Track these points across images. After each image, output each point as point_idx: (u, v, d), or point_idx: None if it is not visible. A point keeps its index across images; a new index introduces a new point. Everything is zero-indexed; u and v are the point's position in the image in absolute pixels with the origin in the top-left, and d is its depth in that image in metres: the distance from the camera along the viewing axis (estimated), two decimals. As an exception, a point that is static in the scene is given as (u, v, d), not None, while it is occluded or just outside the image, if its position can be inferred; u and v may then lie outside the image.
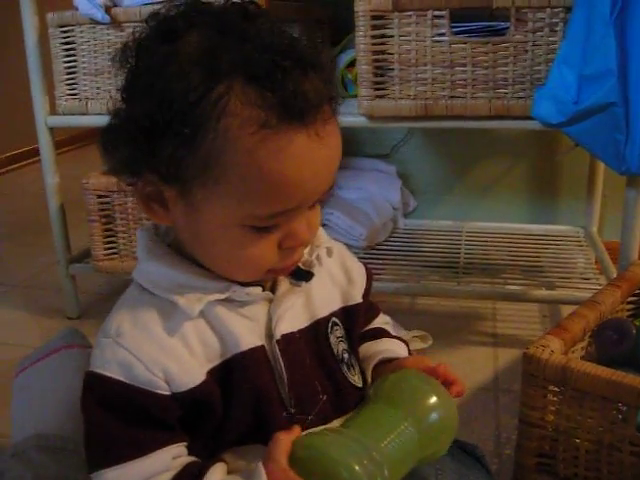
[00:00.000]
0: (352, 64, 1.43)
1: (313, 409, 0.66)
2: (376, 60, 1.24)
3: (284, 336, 0.65)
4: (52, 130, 1.49)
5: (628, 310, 1.13)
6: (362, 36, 1.23)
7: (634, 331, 0.99)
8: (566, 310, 1.37)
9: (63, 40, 1.43)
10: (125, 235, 1.48)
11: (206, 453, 0.63)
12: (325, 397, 0.67)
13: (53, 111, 1.48)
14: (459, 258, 1.63)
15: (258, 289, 0.65)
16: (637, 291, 1.13)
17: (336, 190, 1.74)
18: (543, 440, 0.91)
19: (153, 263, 0.65)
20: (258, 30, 0.58)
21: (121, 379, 0.59)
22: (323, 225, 0.80)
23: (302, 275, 0.69)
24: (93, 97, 1.43)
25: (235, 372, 0.62)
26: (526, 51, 1.19)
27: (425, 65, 1.23)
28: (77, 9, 1.39)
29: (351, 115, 1.29)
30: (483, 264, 1.60)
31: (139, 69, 0.60)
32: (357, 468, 0.56)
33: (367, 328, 0.80)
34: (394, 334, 0.81)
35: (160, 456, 0.60)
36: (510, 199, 1.82)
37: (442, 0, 1.19)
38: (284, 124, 0.55)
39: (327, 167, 0.60)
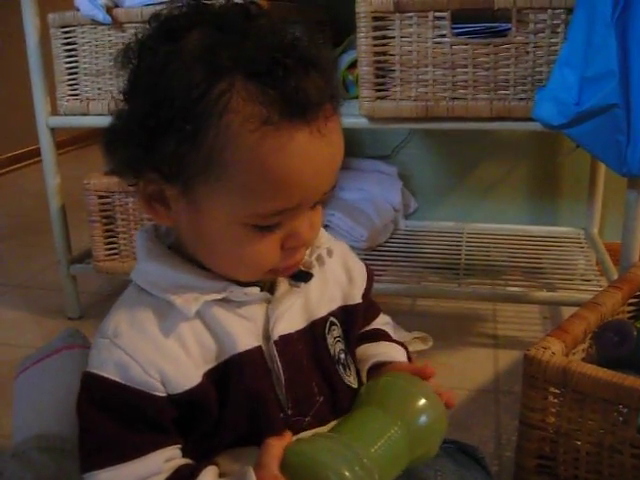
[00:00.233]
0: (353, 65, 1.43)
1: (310, 410, 0.66)
2: (377, 61, 1.24)
3: (282, 337, 0.65)
4: (53, 130, 1.49)
5: (629, 312, 1.13)
6: (363, 37, 1.23)
7: (635, 333, 0.99)
8: (567, 312, 1.37)
9: (64, 41, 1.43)
10: (126, 236, 1.48)
11: (200, 455, 0.63)
12: (322, 398, 0.67)
13: (54, 111, 1.48)
14: (460, 259, 1.63)
15: (256, 289, 0.65)
16: (638, 293, 1.13)
17: (337, 191, 1.74)
18: (543, 442, 0.91)
19: (151, 263, 0.65)
20: (259, 29, 0.58)
21: (117, 380, 0.59)
22: (324, 226, 0.80)
23: (301, 276, 0.68)
24: (94, 98, 1.44)
25: (232, 374, 0.62)
26: (527, 52, 1.19)
27: (426, 66, 1.23)
28: (78, 10, 1.39)
29: (352, 116, 1.29)
30: (484, 265, 1.60)
31: (141, 69, 0.60)
32: (347, 474, 0.56)
33: (366, 329, 0.79)
34: (394, 336, 0.81)
35: (153, 459, 0.60)
36: (511, 200, 1.82)
37: (443, 1, 1.19)
38: (286, 121, 0.55)
39: (329, 165, 0.60)
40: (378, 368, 0.72)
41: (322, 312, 0.70)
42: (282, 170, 0.56)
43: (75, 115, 1.46)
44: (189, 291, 0.62)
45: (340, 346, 0.71)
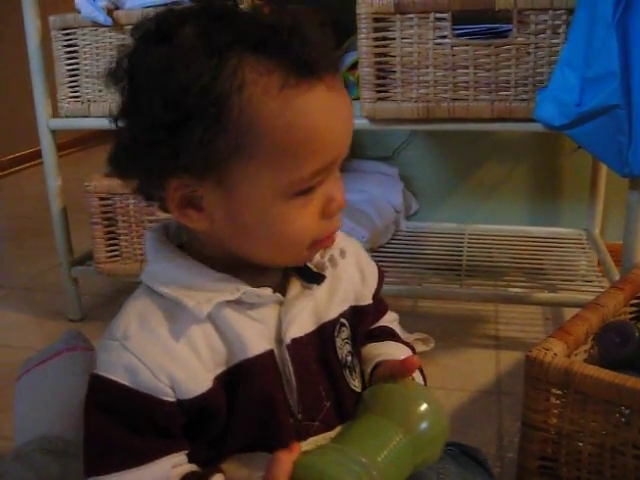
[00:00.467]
0: (354, 66, 1.42)
1: (318, 415, 0.66)
2: (378, 62, 1.24)
3: (294, 340, 0.64)
4: (54, 132, 1.49)
5: (631, 313, 1.13)
6: (364, 38, 1.23)
7: (637, 334, 0.99)
8: (569, 313, 1.37)
9: (65, 43, 1.43)
10: (127, 237, 1.48)
11: (207, 460, 0.63)
12: (329, 403, 0.67)
13: (55, 113, 1.48)
14: (461, 260, 1.62)
15: (269, 290, 0.64)
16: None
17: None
18: (545, 443, 0.91)
19: (162, 264, 0.64)
20: (251, 12, 0.60)
21: (126, 384, 0.59)
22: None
23: (314, 277, 0.68)
24: (95, 99, 1.44)
25: (242, 378, 0.61)
26: (528, 53, 1.19)
27: (427, 67, 1.23)
28: (79, 12, 1.39)
29: (353, 117, 1.28)
30: (485, 266, 1.60)
31: (138, 77, 0.59)
32: None
33: (374, 326, 0.79)
34: (400, 333, 0.81)
35: (160, 465, 0.59)
36: (512, 201, 1.82)
37: (444, 2, 1.19)
38: (302, 81, 0.56)
39: (349, 117, 0.62)
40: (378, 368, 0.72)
41: (332, 314, 0.69)
42: (312, 127, 0.57)
43: (76, 117, 1.46)
44: (201, 292, 0.61)
45: (348, 348, 0.70)
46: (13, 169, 3.25)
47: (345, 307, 0.71)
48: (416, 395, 0.65)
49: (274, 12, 0.60)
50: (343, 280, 0.71)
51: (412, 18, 1.21)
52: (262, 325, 0.63)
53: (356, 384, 0.70)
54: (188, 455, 0.62)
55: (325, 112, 0.58)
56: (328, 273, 0.68)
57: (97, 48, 1.41)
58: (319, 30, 0.59)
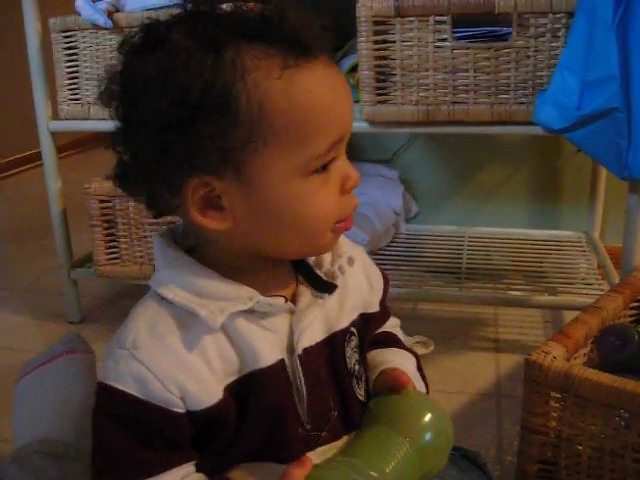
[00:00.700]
0: (354, 69, 1.42)
1: (326, 425, 0.65)
2: (378, 65, 1.24)
3: (305, 350, 0.64)
4: (54, 135, 1.50)
5: (630, 316, 1.13)
6: (364, 41, 1.23)
7: (636, 337, 0.99)
8: (568, 316, 1.37)
9: (65, 45, 1.43)
10: (127, 240, 1.48)
11: (214, 469, 0.62)
12: (336, 413, 0.66)
13: (55, 116, 1.48)
14: (461, 263, 1.62)
15: (281, 300, 0.64)
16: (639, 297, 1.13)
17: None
18: (545, 447, 0.91)
19: (172, 271, 0.62)
20: (236, 9, 0.61)
21: (135, 394, 0.58)
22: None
23: (324, 286, 0.67)
24: (95, 102, 1.43)
25: (253, 388, 0.61)
26: (528, 56, 1.19)
27: (427, 70, 1.23)
28: (79, 14, 1.39)
29: (353, 120, 1.28)
30: (485, 269, 1.60)
31: (135, 88, 0.58)
32: None
33: (379, 331, 0.78)
34: (402, 339, 0.80)
35: (169, 477, 0.58)
36: (512, 204, 1.82)
37: (444, 5, 1.19)
38: (300, 60, 0.57)
39: (349, 94, 0.63)
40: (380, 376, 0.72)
41: (343, 323, 0.68)
42: (319, 102, 0.58)
43: (76, 119, 1.46)
44: (213, 301, 0.60)
45: (356, 357, 0.70)
46: (13, 171, 3.25)
47: (355, 315, 0.70)
48: (421, 406, 0.66)
49: (258, 6, 0.61)
50: (352, 288, 0.70)
51: (412, 21, 1.21)
52: (274, 335, 0.63)
53: (362, 393, 0.70)
54: (196, 465, 0.61)
55: (327, 87, 0.59)
56: (338, 282, 0.68)
57: (97, 51, 1.41)
58: (306, 15, 0.60)
